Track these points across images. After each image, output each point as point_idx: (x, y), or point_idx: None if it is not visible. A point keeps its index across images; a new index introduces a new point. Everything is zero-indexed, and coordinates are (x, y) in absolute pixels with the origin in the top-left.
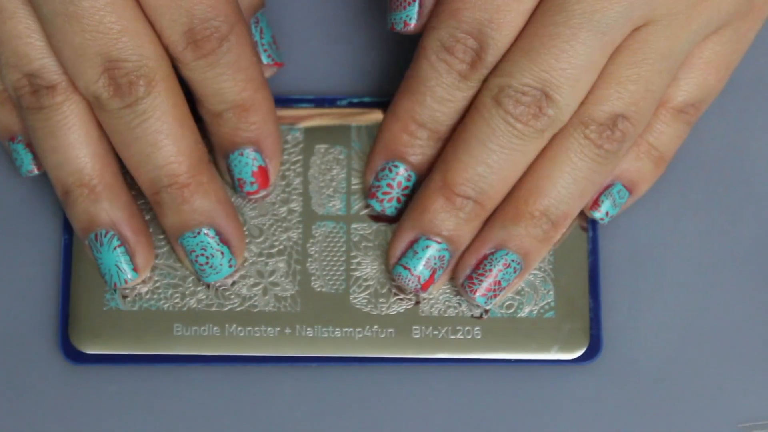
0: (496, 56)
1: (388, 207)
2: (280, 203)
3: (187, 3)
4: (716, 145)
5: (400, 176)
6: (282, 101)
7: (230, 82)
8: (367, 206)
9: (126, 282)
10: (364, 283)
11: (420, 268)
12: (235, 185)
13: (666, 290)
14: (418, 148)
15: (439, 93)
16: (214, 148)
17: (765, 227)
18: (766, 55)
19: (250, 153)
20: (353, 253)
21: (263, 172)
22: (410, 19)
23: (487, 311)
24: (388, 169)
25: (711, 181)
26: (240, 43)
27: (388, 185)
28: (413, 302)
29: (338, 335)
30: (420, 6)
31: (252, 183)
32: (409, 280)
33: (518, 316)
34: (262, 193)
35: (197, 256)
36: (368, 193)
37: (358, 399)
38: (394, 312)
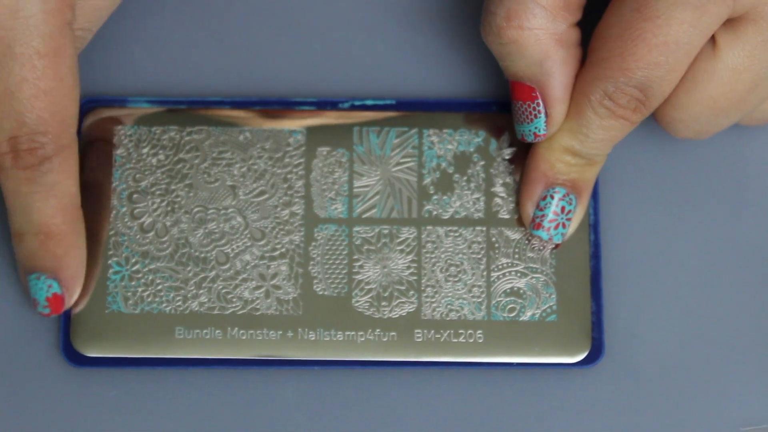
0: (658, 103)
1: (555, 234)
2: (282, 206)
3: (20, 106)
4: (716, 147)
5: (564, 201)
6: (284, 104)
7: (41, 203)
8: (371, 209)
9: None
10: (366, 287)
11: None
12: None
13: (668, 294)
14: (575, 173)
15: (600, 134)
16: (16, 262)
17: (767, 231)
18: None
19: (46, 279)
20: (355, 256)
21: (58, 299)
22: (539, 130)
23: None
24: (550, 197)
25: (712, 184)
26: (62, 170)
27: (554, 213)
28: (415, 305)
29: (340, 338)
30: (547, 116)
31: (45, 306)
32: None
33: (520, 319)
34: (54, 316)
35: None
36: (532, 224)
37: (360, 402)
38: (396, 315)
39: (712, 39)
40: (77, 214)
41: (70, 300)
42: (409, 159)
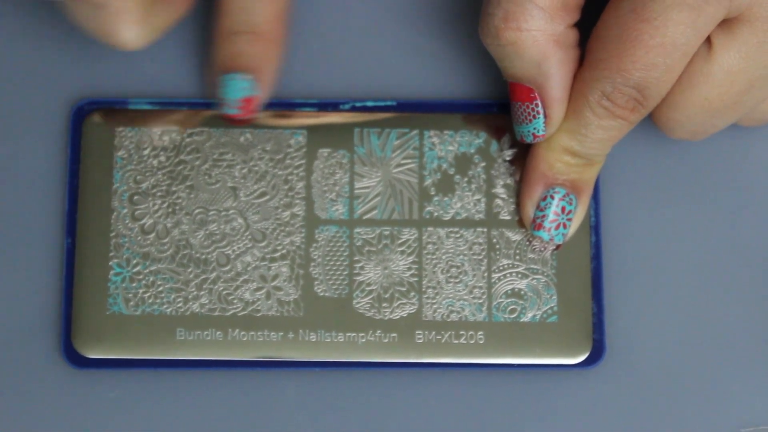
0: (655, 104)
1: (556, 235)
2: (283, 207)
3: None
4: (716, 148)
5: (564, 201)
6: (285, 105)
7: (262, 5)
8: (372, 210)
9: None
10: (367, 288)
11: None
12: (219, 103)
13: (669, 295)
14: (574, 173)
15: (598, 134)
16: (214, 62)
17: (767, 231)
18: None
19: (244, 79)
20: (356, 258)
21: (251, 101)
22: (538, 131)
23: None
24: (550, 197)
25: (712, 185)
26: None
27: (554, 213)
28: (416, 307)
29: (341, 340)
30: (546, 117)
31: (236, 106)
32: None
33: (521, 320)
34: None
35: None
36: (533, 225)
37: (361, 404)
38: (397, 316)
39: (708, 40)
40: (286, 22)
41: (260, 103)
42: (409, 160)
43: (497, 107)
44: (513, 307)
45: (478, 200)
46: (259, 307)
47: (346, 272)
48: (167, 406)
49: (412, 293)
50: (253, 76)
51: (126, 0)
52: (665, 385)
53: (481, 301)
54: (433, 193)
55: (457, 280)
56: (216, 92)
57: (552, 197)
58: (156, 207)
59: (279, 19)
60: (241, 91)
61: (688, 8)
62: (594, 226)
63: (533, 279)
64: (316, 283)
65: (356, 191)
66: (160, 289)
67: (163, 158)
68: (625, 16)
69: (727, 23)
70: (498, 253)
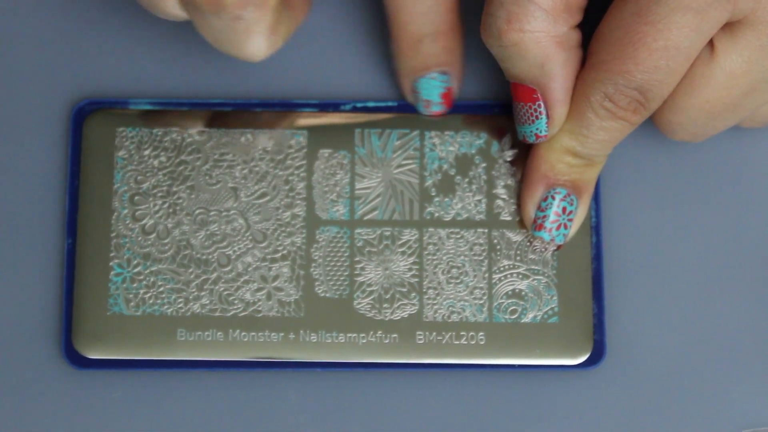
0: (657, 106)
1: (557, 235)
2: (283, 208)
3: None
4: (717, 149)
5: (565, 202)
6: (285, 106)
7: (436, 4)
8: (373, 210)
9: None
10: (368, 288)
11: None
12: (419, 106)
13: (669, 296)
14: (576, 173)
15: (600, 136)
16: (403, 71)
17: None
18: None
19: (441, 75)
20: (357, 258)
21: (450, 93)
22: (540, 131)
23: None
24: (551, 197)
25: (713, 186)
26: None
27: (555, 213)
28: (417, 307)
29: (342, 340)
30: (548, 117)
31: (439, 104)
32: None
33: (522, 321)
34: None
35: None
36: (534, 225)
37: (361, 404)
38: (398, 317)
39: (710, 43)
40: (458, 9)
41: (457, 91)
42: (410, 161)
43: (498, 108)
44: (514, 307)
45: (479, 201)
46: (259, 308)
47: (346, 273)
48: (168, 406)
49: (413, 294)
50: (446, 69)
51: (259, 11)
52: (666, 386)
53: (481, 301)
54: (433, 193)
55: (457, 281)
56: (413, 96)
57: (553, 198)
58: (157, 207)
59: (454, 11)
60: (439, 88)
61: (691, 12)
62: (595, 226)
63: (534, 280)
64: (316, 283)
65: (357, 192)
66: (161, 289)
67: (163, 158)
68: (628, 18)
69: (729, 26)
70: (499, 253)
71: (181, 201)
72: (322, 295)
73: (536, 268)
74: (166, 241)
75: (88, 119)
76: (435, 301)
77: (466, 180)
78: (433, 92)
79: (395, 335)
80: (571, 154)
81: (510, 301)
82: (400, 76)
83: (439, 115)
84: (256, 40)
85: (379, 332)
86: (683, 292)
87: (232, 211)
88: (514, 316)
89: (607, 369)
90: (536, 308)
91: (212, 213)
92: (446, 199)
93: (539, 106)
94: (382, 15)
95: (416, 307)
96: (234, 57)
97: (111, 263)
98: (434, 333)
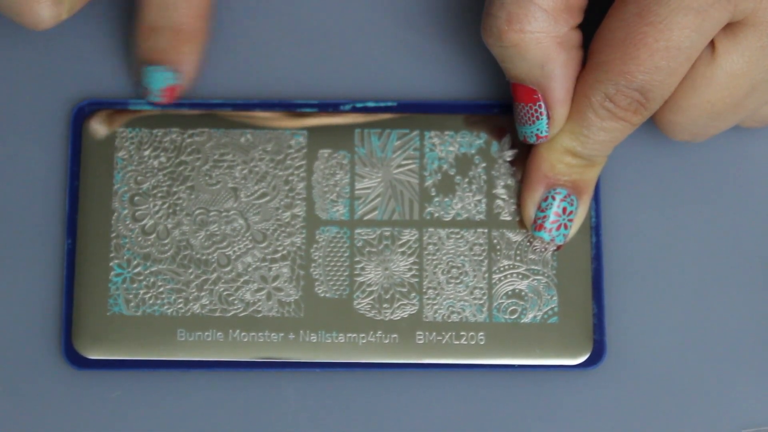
0: (658, 106)
1: (557, 236)
2: (283, 208)
3: None
4: (717, 149)
5: (565, 202)
6: (285, 106)
7: (181, 2)
8: (372, 211)
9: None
10: (368, 289)
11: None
12: (140, 92)
13: (669, 296)
14: (576, 174)
15: (600, 136)
16: (136, 55)
17: None
18: None
19: (166, 71)
20: (357, 258)
21: (173, 89)
22: (541, 131)
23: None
24: (551, 198)
25: (713, 186)
26: None
27: (555, 213)
28: (416, 307)
29: (342, 340)
30: (549, 118)
31: (158, 95)
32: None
33: (522, 321)
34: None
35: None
36: (534, 226)
37: (361, 405)
38: (398, 317)
39: (711, 43)
40: (207, 16)
41: (181, 92)
42: (410, 161)
43: (498, 108)
44: (513, 307)
45: (479, 201)
46: (259, 308)
47: (346, 273)
48: (168, 406)
49: (413, 294)
50: (173, 68)
51: None
52: (666, 386)
53: (481, 301)
54: (433, 193)
55: (457, 281)
56: (139, 82)
57: (553, 198)
58: (156, 208)
59: (199, 15)
60: (162, 82)
61: (692, 12)
62: (595, 226)
63: (534, 280)
64: (316, 283)
65: (357, 192)
66: (161, 289)
67: (163, 159)
68: (629, 18)
69: (731, 27)
70: (499, 253)
71: (181, 201)
72: (322, 295)
73: (536, 268)
74: (166, 241)
75: (88, 119)
76: (435, 301)
77: (466, 180)
78: (154, 83)
79: (395, 335)
80: (572, 155)
81: (510, 301)
82: (135, 57)
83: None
84: (38, 7)
85: (379, 332)
86: (683, 292)
87: (232, 212)
88: (514, 316)
89: (607, 369)
90: (536, 308)
91: (212, 213)
92: (446, 199)
93: (540, 106)
94: (383, 15)
95: (416, 307)
96: (18, 24)
97: (111, 263)
98: (434, 333)
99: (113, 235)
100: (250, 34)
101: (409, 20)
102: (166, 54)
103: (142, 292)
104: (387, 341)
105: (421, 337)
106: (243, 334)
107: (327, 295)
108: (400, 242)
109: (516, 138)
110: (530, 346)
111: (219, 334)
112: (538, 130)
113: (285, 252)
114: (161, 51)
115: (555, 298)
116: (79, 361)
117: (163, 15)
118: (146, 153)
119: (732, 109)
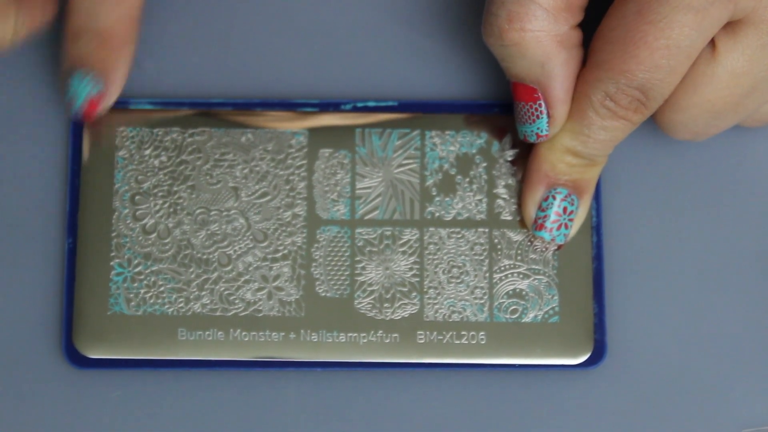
0: (658, 105)
1: (558, 235)
2: (284, 208)
3: None
4: (718, 149)
5: (565, 202)
6: (286, 105)
7: (108, 8)
8: (373, 210)
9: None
10: (369, 288)
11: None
12: (65, 106)
13: (670, 295)
14: (577, 173)
15: (601, 135)
16: (62, 62)
17: None
18: None
19: (92, 79)
20: (358, 258)
21: (96, 100)
22: (542, 131)
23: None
24: (552, 197)
25: (714, 185)
26: None
27: (556, 213)
28: (417, 307)
29: (343, 340)
30: (549, 117)
31: (82, 105)
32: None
33: (522, 321)
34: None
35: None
36: (534, 225)
37: (362, 404)
38: (399, 317)
39: (712, 42)
40: (136, 24)
41: (107, 103)
42: (411, 161)
43: (499, 108)
44: (514, 307)
45: (480, 200)
46: (260, 308)
47: (347, 272)
48: (168, 406)
49: (414, 293)
50: (98, 75)
51: None
52: (667, 386)
53: (482, 301)
54: (434, 193)
55: (458, 281)
56: (63, 92)
57: (554, 197)
58: (157, 207)
59: (127, 20)
60: (86, 89)
61: (693, 11)
62: (595, 226)
63: (535, 279)
64: (317, 283)
65: (357, 191)
66: (162, 289)
67: (164, 158)
68: (629, 17)
69: (731, 25)
70: (499, 253)
71: (181, 201)
72: (323, 294)
73: (537, 267)
74: (166, 240)
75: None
76: (436, 301)
77: (467, 179)
78: (78, 91)
79: (396, 335)
80: (572, 154)
81: (511, 300)
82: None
83: (83, 119)
84: None
85: (380, 332)
86: (684, 292)
87: (232, 211)
88: (514, 316)
89: (607, 369)
90: (537, 308)
91: (213, 213)
92: (447, 199)
93: (540, 105)
94: (383, 15)
95: (417, 307)
96: None
97: (112, 263)
98: (435, 333)
99: (114, 234)
100: (250, 33)
101: (410, 20)
102: (90, 62)
103: (142, 291)
104: (388, 341)
105: (422, 336)
106: (244, 333)
107: (328, 294)
108: (401, 242)
109: (517, 138)
110: (531, 346)
111: (220, 333)
112: (538, 129)
113: (286, 251)
114: (86, 56)
115: (556, 297)
116: (80, 361)
117: (90, 19)
118: (147, 152)
119: (732, 107)
